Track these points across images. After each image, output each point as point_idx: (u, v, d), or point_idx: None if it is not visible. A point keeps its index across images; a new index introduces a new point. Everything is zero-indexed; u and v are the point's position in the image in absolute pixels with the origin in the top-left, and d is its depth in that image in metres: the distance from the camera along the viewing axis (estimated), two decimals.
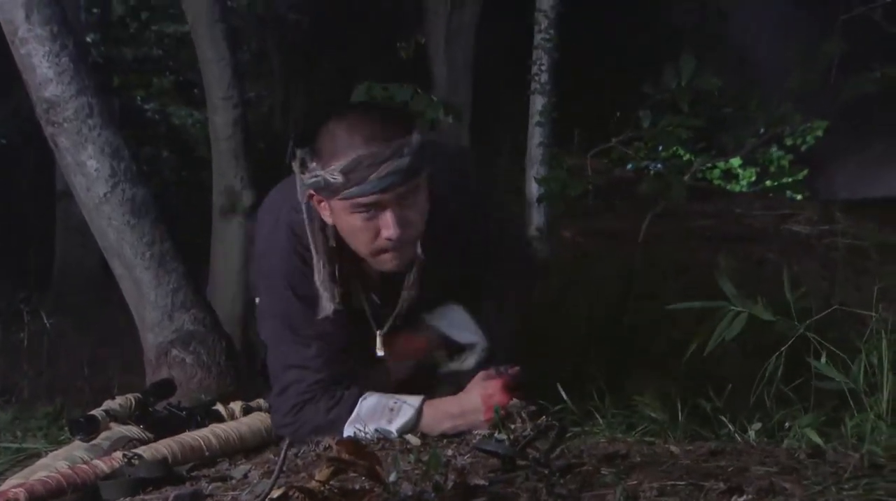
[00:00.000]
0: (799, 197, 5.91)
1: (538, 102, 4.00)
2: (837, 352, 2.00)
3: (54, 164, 6.98)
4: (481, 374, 2.17)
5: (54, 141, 2.97)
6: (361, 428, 2.13)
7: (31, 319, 3.91)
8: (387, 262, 2.08)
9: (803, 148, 4.56)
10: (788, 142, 4.75)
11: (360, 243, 2.06)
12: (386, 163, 1.91)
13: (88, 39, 10.08)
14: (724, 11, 8.01)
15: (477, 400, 2.12)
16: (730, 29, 8.08)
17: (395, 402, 2.15)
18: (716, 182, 6.03)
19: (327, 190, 1.98)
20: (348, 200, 1.96)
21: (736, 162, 6.04)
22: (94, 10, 10.82)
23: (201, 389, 2.97)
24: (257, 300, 2.34)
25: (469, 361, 2.37)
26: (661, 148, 3.11)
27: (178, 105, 11.90)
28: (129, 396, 2.36)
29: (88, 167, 2.96)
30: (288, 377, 2.20)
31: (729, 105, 3.08)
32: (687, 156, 3.03)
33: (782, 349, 2.04)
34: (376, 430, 2.12)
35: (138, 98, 11.96)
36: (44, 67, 2.90)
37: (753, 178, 6.28)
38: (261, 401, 2.45)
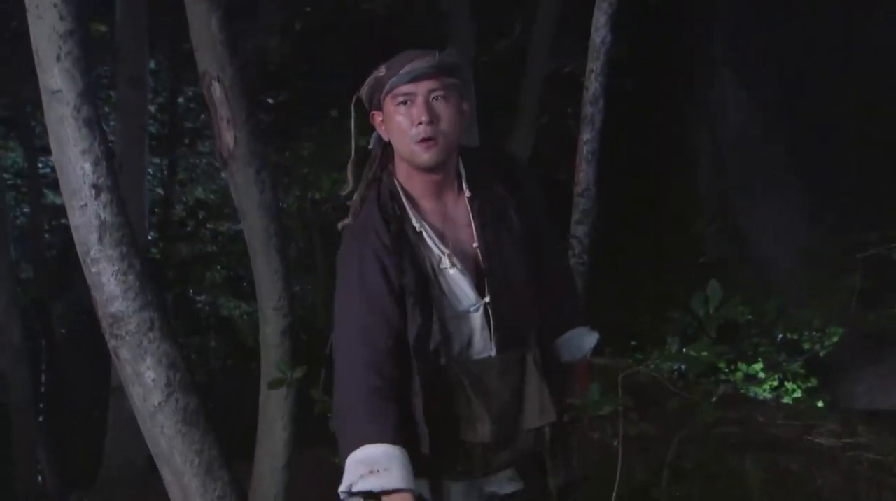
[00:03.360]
0: (820, 403, 5.96)
1: None
2: None
3: (110, 358, 7.21)
4: None
5: (116, 353, 3.16)
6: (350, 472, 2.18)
7: None
8: (423, 153, 2.29)
9: (822, 353, 4.62)
10: (806, 346, 4.83)
11: (402, 136, 2.31)
12: (418, 59, 2.28)
13: (149, 237, 10.56)
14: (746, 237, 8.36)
15: None
16: (753, 254, 8.34)
17: (386, 467, 2.15)
18: (739, 385, 6.07)
19: (377, 88, 2.33)
20: (390, 93, 2.30)
21: (758, 366, 6.15)
22: (156, 211, 11.40)
23: None
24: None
25: None
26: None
27: (228, 297, 12.25)
28: None
29: (146, 378, 3.14)
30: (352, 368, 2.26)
31: (750, 313, 3.19)
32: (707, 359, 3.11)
33: None
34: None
35: (190, 290, 12.36)
36: (112, 285, 3.12)
37: (776, 384, 6.35)
38: None
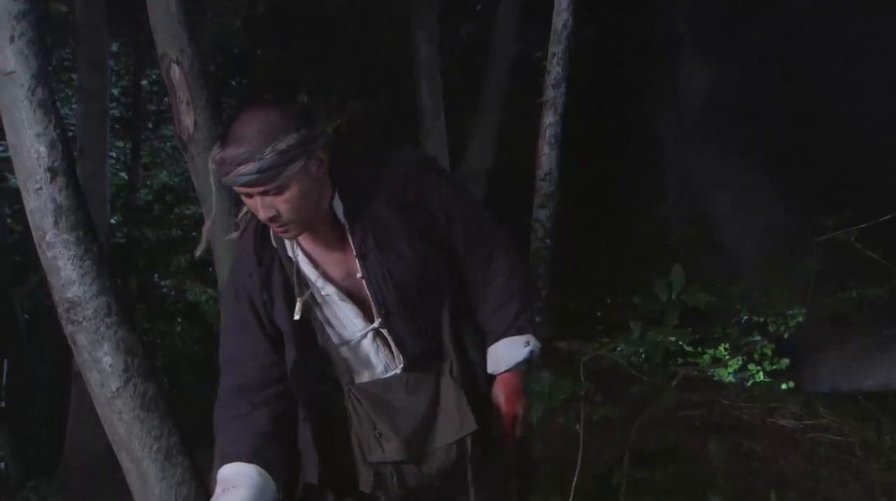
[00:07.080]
0: (784, 386, 6.05)
1: None
2: None
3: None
4: None
5: (73, 339, 3.11)
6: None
7: None
8: (280, 233, 2.20)
9: (786, 334, 4.65)
10: (771, 328, 4.87)
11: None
12: (242, 165, 2.04)
13: (113, 221, 10.44)
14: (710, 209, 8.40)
15: None
16: (718, 237, 8.35)
17: (234, 485, 2.21)
18: (705, 368, 6.10)
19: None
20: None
21: (724, 348, 6.21)
22: (121, 195, 11.28)
23: None
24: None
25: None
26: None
27: (195, 282, 12.16)
28: None
29: (104, 363, 3.10)
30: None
31: (715, 296, 3.19)
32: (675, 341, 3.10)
33: None
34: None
35: (156, 275, 12.26)
36: (68, 270, 3.07)
37: (739, 365, 6.40)
38: None
